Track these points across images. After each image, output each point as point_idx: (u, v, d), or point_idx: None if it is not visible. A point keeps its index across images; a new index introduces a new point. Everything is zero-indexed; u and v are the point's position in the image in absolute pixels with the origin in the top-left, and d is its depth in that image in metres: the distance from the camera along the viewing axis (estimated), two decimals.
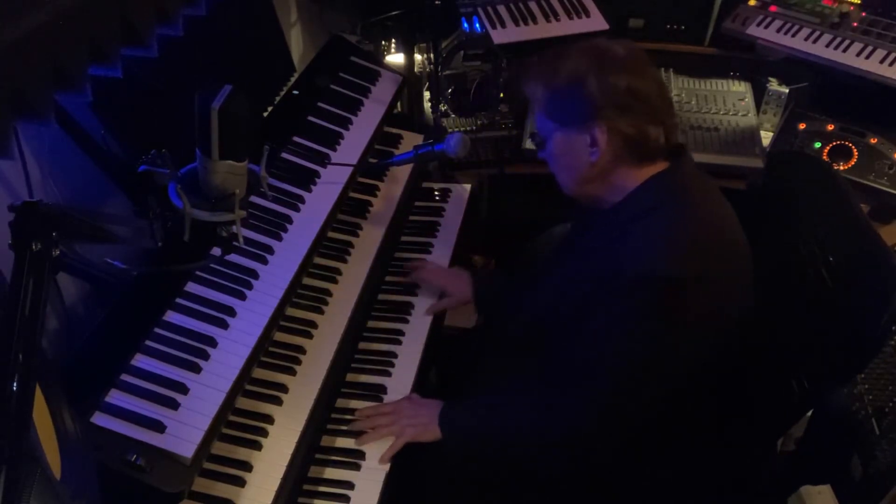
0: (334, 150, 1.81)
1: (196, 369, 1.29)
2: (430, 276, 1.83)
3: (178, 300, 1.38)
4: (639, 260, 1.29)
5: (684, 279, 1.26)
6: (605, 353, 1.33)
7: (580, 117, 1.35)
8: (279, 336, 1.54)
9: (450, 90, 2.37)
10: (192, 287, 1.41)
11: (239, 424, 1.39)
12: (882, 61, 2.08)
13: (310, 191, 1.69)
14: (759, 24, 2.26)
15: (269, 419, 1.41)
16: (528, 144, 2.23)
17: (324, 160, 1.76)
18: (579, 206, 1.51)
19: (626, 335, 1.31)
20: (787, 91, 2.32)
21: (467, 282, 1.80)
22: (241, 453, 1.35)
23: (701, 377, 1.37)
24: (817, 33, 2.19)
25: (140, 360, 1.27)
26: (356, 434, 1.49)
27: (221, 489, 1.30)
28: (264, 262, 1.50)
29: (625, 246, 1.32)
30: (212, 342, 1.34)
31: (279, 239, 1.56)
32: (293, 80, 1.98)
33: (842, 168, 2.12)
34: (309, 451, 1.43)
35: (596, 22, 2.22)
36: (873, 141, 2.13)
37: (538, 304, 1.56)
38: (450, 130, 2.29)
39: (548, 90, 1.40)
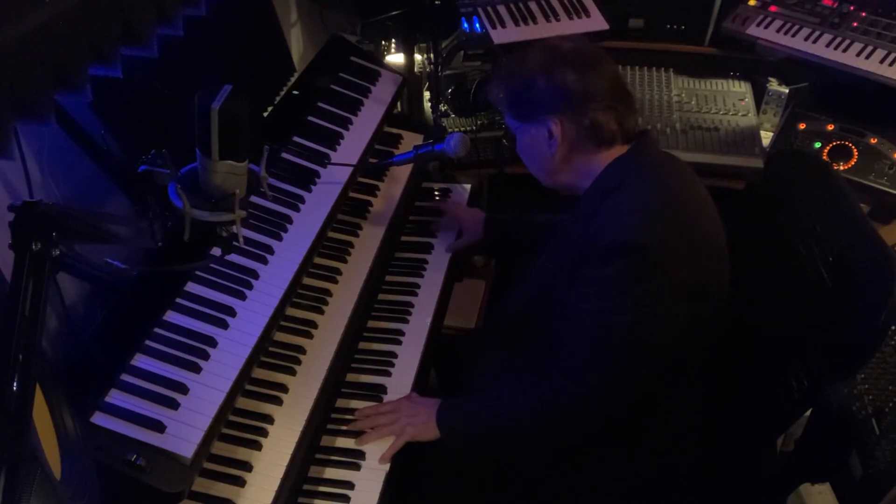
0: (334, 150, 1.81)
1: (196, 369, 1.29)
2: (453, 212, 1.99)
3: (178, 300, 1.38)
4: (609, 233, 1.32)
5: (647, 244, 1.28)
6: (587, 327, 1.35)
7: (535, 114, 1.44)
8: (279, 336, 1.54)
9: (450, 90, 2.37)
10: (192, 287, 1.41)
11: (239, 424, 1.39)
12: (882, 61, 2.08)
13: (310, 191, 1.69)
14: (759, 24, 2.26)
15: (269, 419, 1.41)
16: None
17: (324, 160, 1.76)
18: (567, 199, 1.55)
19: (606, 308, 1.32)
20: (787, 91, 2.32)
21: (482, 223, 1.91)
22: (241, 453, 1.35)
23: (685, 354, 1.38)
24: (817, 33, 2.20)
25: (140, 360, 1.27)
26: (356, 434, 1.49)
27: (221, 489, 1.30)
28: (264, 262, 1.50)
29: (597, 223, 1.37)
30: (212, 342, 1.34)
31: (279, 239, 1.56)
32: (293, 80, 1.98)
33: (842, 168, 2.12)
34: (309, 451, 1.43)
35: (596, 22, 2.22)
36: (873, 141, 2.13)
37: (527, 292, 1.58)
38: (450, 130, 2.29)
39: (506, 91, 1.49)
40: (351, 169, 1.77)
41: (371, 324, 1.74)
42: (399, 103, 2.29)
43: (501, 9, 2.19)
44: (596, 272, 1.32)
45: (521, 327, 1.61)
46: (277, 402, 1.45)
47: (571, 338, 1.37)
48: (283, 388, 1.47)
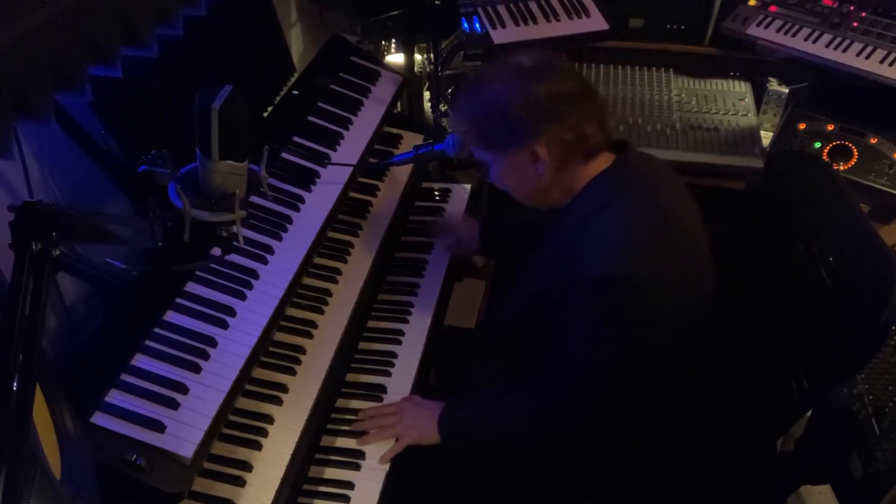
0: (334, 150, 1.81)
1: (196, 369, 1.29)
2: (448, 224, 1.96)
3: (178, 300, 1.38)
4: (595, 263, 1.29)
5: (641, 280, 1.26)
6: (578, 358, 1.34)
7: (516, 141, 1.35)
8: (279, 336, 1.54)
9: (450, 90, 2.37)
10: (192, 287, 1.41)
11: (239, 424, 1.39)
12: (882, 61, 2.08)
13: (310, 191, 1.69)
14: (759, 24, 2.26)
15: (269, 419, 1.41)
16: None
17: (324, 160, 1.76)
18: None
19: (593, 340, 1.31)
20: (787, 91, 2.32)
21: (476, 229, 1.89)
22: (241, 453, 1.36)
23: (677, 368, 1.38)
24: (817, 33, 2.20)
25: (140, 360, 1.27)
26: (356, 434, 1.49)
27: (221, 489, 1.30)
28: (264, 262, 1.50)
29: (581, 248, 1.33)
30: (212, 342, 1.34)
31: (279, 239, 1.56)
32: (293, 80, 1.98)
33: (842, 168, 2.12)
34: (309, 451, 1.43)
35: (596, 22, 2.23)
36: (873, 141, 2.13)
37: (513, 307, 1.57)
38: (450, 130, 2.29)
39: (475, 126, 1.41)
40: (351, 169, 1.77)
41: (371, 324, 1.74)
42: (399, 103, 2.29)
43: (501, 9, 2.19)
44: (586, 302, 1.30)
45: (513, 338, 1.60)
46: (277, 402, 1.45)
47: (563, 363, 1.36)
48: (283, 388, 1.47)
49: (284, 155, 1.73)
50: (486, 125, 1.38)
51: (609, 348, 1.30)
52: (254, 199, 1.48)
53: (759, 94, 2.35)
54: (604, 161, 1.39)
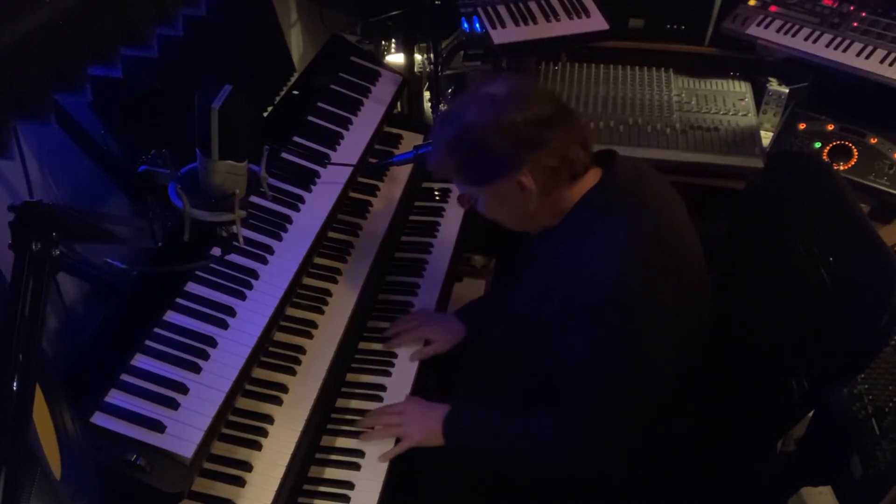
0: (334, 150, 1.81)
1: (196, 369, 1.29)
2: (416, 331, 1.71)
3: (178, 300, 1.38)
4: (589, 283, 1.28)
5: (636, 297, 1.25)
6: (581, 378, 1.33)
7: (499, 173, 1.32)
8: (279, 336, 1.54)
9: (450, 90, 2.37)
10: (192, 287, 1.41)
11: (239, 424, 1.39)
12: (882, 61, 2.08)
13: (310, 191, 1.69)
14: (759, 24, 2.26)
15: (269, 419, 1.41)
16: None
17: (324, 160, 1.76)
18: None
19: (594, 360, 1.30)
20: (787, 91, 2.32)
21: (456, 324, 1.74)
22: (241, 453, 1.36)
23: (677, 371, 1.38)
24: (817, 33, 2.20)
25: (140, 360, 1.27)
26: (356, 434, 1.49)
27: (221, 489, 1.30)
28: (264, 262, 1.50)
29: (574, 268, 1.31)
30: (212, 342, 1.34)
31: (279, 239, 1.56)
32: (293, 80, 1.98)
33: (842, 168, 2.12)
34: (309, 451, 1.43)
35: (596, 22, 2.23)
36: (873, 141, 2.13)
37: (510, 319, 1.56)
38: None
39: (456, 163, 1.37)
40: (351, 169, 1.77)
41: (371, 324, 1.74)
42: (399, 103, 2.29)
43: (501, 9, 2.19)
44: (583, 322, 1.29)
45: (506, 351, 1.59)
46: (277, 402, 1.45)
47: (565, 383, 1.36)
48: (283, 388, 1.47)
49: (284, 155, 1.73)
50: (467, 161, 1.35)
51: (610, 367, 1.30)
52: (254, 199, 1.49)
53: (759, 94, 2.35)
54: (591, 178, 1.37)
